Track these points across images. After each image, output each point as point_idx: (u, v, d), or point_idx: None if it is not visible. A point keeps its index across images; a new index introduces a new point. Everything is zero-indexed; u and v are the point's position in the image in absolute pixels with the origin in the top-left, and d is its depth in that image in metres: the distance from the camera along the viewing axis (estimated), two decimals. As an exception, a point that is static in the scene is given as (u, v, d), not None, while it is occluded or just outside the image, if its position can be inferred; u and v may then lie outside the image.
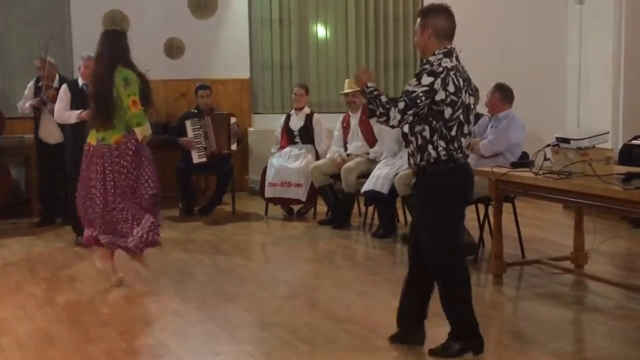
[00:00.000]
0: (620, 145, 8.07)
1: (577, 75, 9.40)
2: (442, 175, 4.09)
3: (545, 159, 5.26)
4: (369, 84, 4.18)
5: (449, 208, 4.13)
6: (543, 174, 5.13)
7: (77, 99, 7.11)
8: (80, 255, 6.81)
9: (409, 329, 4.37)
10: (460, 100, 4.03)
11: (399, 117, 4.02)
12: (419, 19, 4.16)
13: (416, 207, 4.33)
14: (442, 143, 4.05)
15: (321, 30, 10.18)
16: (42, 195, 8.26)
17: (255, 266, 6.56)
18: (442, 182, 4.10)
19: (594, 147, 5.05)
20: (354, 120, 8.00)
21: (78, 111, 7.01)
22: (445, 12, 4.13)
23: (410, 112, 4.01)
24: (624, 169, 5.14)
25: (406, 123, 4.07)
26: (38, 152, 8.16)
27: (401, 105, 4.01)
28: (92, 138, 5.70)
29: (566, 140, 5.14)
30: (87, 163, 5.71)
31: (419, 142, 4.10)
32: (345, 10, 10.08)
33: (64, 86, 7.24)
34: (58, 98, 7.19)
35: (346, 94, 8.03)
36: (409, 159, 4.27)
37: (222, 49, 9.80)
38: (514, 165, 5.63)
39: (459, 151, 4.09)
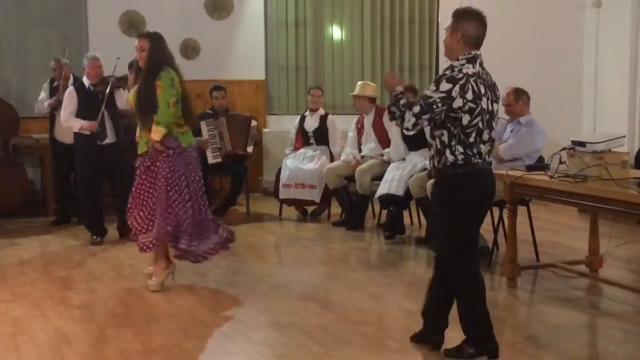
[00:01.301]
0: (636, 149, 8.03)
1: (593, 79, 9.37)
2: (458, 179, 4.08)
3: (561, 163, 5.24)
4: (397, 88, 4.19)
5: (464, 212, 4.12)
6: (558, 177, 5.11)
7: (85, 100, 7.16)
8: (96, 255, 6.85)
9: (430, 329, 4.36)
10: (479, 108, 4.00)
11: (413, 120, 4.04)
12: (451, 20, 4.13)
13: (435, 208, 4.33)
14: (460, 148, 4.04)
15: (336, 33, 10.19)
16: (58, 195, 8.30)
17: (269, 267, 6.57)
18: (457, 186, 4.10)
19: (609, 150, 5.03)
20: (368, 122, 8.01)
21: (82, 122, 7.10)
22: (478, 18, 4.09)
23: (425, 116, 4.01)
24: (641, 173, 5.11)
25: (420, 127, 4.08)
26: (53, 152, 8.21)
27: (416, 109, 4.02)
28: (188, 141, 5.71)
29: (582, 144, 5.12)
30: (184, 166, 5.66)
31: (438, 146, 4.11)
32: (360, 12, 10.08)
33: (70, 89, 7.26)
34: (65, 101, 7.21)
35: (357, 96, 8.05)
36: (430, 161, 4.28)
37: (237, 50, 9.82)
38: (529, 168, 5.61)
39: (477, 156, 4.07)
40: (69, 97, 7.20)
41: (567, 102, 9.55)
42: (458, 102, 3.96)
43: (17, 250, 7.09)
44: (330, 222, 8.09)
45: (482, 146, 4.07)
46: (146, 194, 5.68)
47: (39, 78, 8.63)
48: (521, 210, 5.90)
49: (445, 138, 4.06)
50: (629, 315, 5.02)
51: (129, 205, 5.79)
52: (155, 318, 5.18)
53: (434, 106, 3.99)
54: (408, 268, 6.59)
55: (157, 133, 5.54)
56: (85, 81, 7.28)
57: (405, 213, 7.58)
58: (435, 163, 4.16)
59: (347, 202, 7.99)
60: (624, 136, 5.33)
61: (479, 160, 4.09)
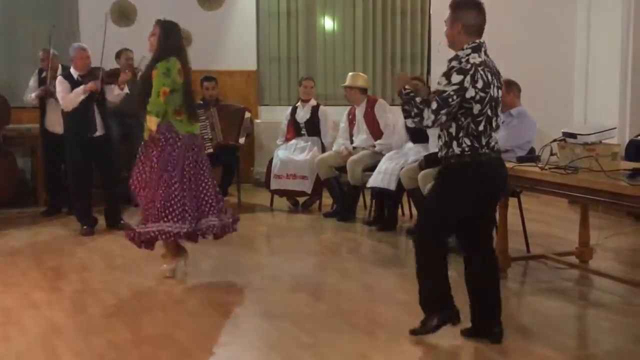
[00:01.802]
0: (627, 141, 8.04)
1: (584, 71, 9.39)
2: (462, 167, 4.12)
3: (552, 154, 5.25)
4: (406, 87, 4.22)
5: (459, 200, 4.15)
6: (549, 168, 5.12)
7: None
8: (86, 245, 6.84)
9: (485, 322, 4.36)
10: (488, 96, 4.04)
11: (432, 117, 4.05)
12: (450, 12, 4.14)
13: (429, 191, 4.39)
14: (466, 140, 4.07)
15: (328, 23, 10.18)
16: (48, 185, 8.28)
17: (260, 258, 6.57)
18: (460, 172, 4.14)
19: (600, 142, 5.04)
20: (360, 113, 8.01)
21: (81, 87, 7.05)
22: (477, 7, 4.12)
23: (443, 111, 4.03)
24: (631, 165, 5.11)
25: (440, 123, 4.09)
26: (44, 142, 8.19)
27: (434, 105, 4.04)
28: (186, 129, 5.64)
29: (573, 136, 5.13)
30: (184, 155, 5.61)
31: (446, 138, 4.14)
32: (352, 3, 10.07)
33: (60, 78, 7.21)
34: (60, 91, 7.13)
35: (347, 87, 8.05)
36: (440, 150, 4.29)
37: (229, 41, 9.80)
38: (520, 159, 5.62)
39: (485, 147, 4.10)
40: (62, 82, 7.14)
41: (559, 94, 9.57)
42: (470, 92, 4.00)
43: (8, 241, 7.08)
44: (321, 213, 8.10)
45: (492, 134, 4.11)
46: (146, 180, 5.67)
47: (28, 68, 8.59)
48: (512, 201, 5.91)
49: (453, 130, 4.09)
50: (618, 306, 5.04)
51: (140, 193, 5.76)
52: (145, 308, 5.18)
53: (450, 100, 4.01)
54: (399, 259, 6.59)
55: (149, 122, 5.53)
56: (74, 72, 7.23)
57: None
58: (443, 154, 4.20)
59: (338, 193, 7.99)
60: (615, 128, 5.34)
61: (486, 151, 4.11)
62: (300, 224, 7.75)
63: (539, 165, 5.23)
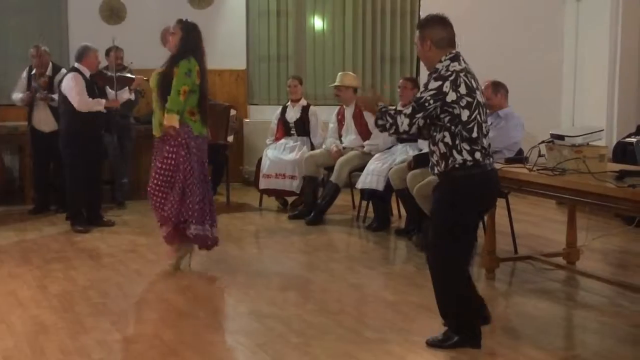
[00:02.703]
0: (614, 143, 8.10)
1: (572, 73, 9.42)
2: (464, 180, 4.10)
3: (540, 155, 5.27)
4: (379, 104, 4.23)
5: (463, 212, 4.14)
6: (537, 170, 5.14)
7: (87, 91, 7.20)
8: (75, 244, 6.82)
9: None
10: (475, 101, 4.05)
11: (407, 121, 4.05)
12: (417, 33, 4.22)
13: (432, 207, 4.34)
14: (465, 146, 4.05)
15: (318, 23, 10.19)
16: (36, 183, 8.25)
17: (248, 257, 6.57)
18: (463, 187, 4.11)
19: (588, 144, 5.07)
20: (349, 113, 8.01)
21: (103, 100, 7.27)
22: (440, 21, 4.17)
23: (419, 115, 4.03)
24: (618, 167, 5.15)
25: (416, 127, 4.08)
26: (32, 140, 8.15)
27: (408, 110, 4.06)
28: (199, 130, 5.74)
29: (561, 137, 5.15)
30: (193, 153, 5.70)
31: (442, 149, 4.10)
32: (342, 3, 10.08)
33: (75, 74, 7.18)
34: (75, 87, 7.11)
35: (337, 87, 8.04)
36: (432, 168, 4.28)
37: (218, 40, 9.77)
38: (509, 161, 5.64)
39: (484, 156, 4.10)
40: (78, 80, 7.14)
41: (547, 96, 9.60)
42: (451, 96, 4.00)
43: (-5, 239, 7.05)
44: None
45: (484, 140, 4.11)
46: (163, 178, 5.71)
47: (17, 66, 8.55)
48: (500, 202, 5.92)
49: (448, 139, 4.07)
50: (605, 307, 5.07)
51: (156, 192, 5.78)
52: (133, 308, 5.17)
53: (426, 104, 4.01)
54: (387, 259, 6.61)
55: (168, 119, 5.57)
56: (85, 71, 7.24)
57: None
58: (442, 168, 4.14)
59: (310, 196, 7.96)
60: (602, 130, 5.38)
61: (487, 162, 4.13)
62: (289, 223, 7.75)
63: (527, 167, 5.25)
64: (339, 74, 8.22)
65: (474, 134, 4.06)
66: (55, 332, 4.60)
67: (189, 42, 5.69)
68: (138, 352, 4.31)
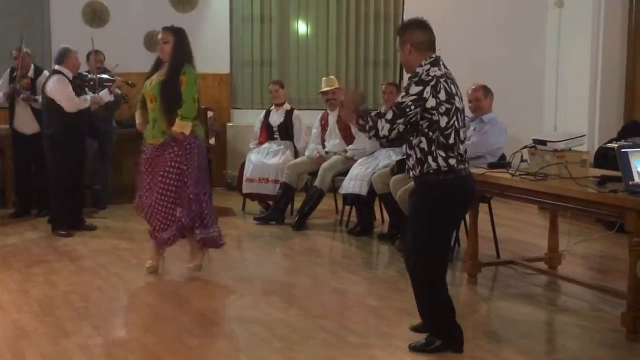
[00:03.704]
0: (596, 148, 8.14)
1: (554, 78, 9.47)
2: (439, 185, 4.11)
3: (522, 161, 5.29)
4: (363, 106, 4.27)
5: (440, 217, 4.15)
6: (520, 175, 5.17)
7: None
8: (56, 248, 6.77)
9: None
10: (454, 107, 4.07)
11: (387, 126, 4.05)
12: (398, 38, 4.26)
13: (410, 212, 4.35)
14: (441, 153, 4.07)
15: (302, 28, 10.18)
16: (17, 187, 8.20)
17: (231, 262, 6.55)
18: (437, 192, 4.13)
19: (570, 149, 5.11)
20: (332, 117, 8.01)
21: (89, 96, 7.26)
22: (420, 25, 4.20)
23: (399, 121, 4.04)
24: (599, 172, 5.18)
25: (396, 133, 4.08)
26: (14, 143, 8.09)
27: (389, 115, 4.05)
28: (201, 133, 5.84)
29: (543, 142, 5.19)
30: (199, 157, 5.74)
31: (418, 155, 4.12)
32: (326, 8, 10.07)
33: (60, 77, 7.15)
34: (64, 89, 7.09)
35: (325, 92, 8.03)
36: (408, 171, 4.31)
37: (202, 44, 9.71)
38: (491, 166, 5.66)
39: (459, 162, 4.12)
40: (65, 82, 7.13)
41: (529, 101, 9.65)
42: (431, 102, 4.01)
43: (-25, 243, 6.99)
44: (294, 217, 8.03)
45: (461, 146, 4.13)
46: (169, 186, 5.67)
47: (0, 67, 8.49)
48: (482, 207, 5.96)
49: (424, 145, 4.08)
50: (586, 312, 5.10)
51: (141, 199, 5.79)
52: (115, 312, 5.15)
53: (407, 109, 4.02)
54: (370, 264, 6.62)
55: (186, 127, 5.59)
56: (68, 73, 7.21)
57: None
58: (417, 172, 4.16)
59: (283, 204, 7.93)
60: (584, 135, 5.41)
61: (462, 167, 4.14)
62: (271, 228, 7.73)
63: (510, 172, 5.27)
64: (324, 79, 8.22)
65: (451, 140, 4.08)
66: (36, 337, 4.57)
67: (183, 47, 5.70)
68: (119, 357, 4.29)
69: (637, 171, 4.49)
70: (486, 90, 6.46)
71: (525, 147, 5.33)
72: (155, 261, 5.93)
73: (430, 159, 4.08)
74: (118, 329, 4.79)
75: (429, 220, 4.15)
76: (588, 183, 4.76)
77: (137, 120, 5.88)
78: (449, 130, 4.07)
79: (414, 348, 4.30)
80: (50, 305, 5.19)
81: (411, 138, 4.13)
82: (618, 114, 8.87)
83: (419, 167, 4.14)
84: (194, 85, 5.67)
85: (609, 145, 7.84)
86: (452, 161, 4.09)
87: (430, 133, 4.06)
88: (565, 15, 9.28)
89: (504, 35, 9.67)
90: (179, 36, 5.69)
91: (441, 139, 4.05)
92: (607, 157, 7.60)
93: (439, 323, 4.28)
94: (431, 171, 4.10)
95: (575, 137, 5.18)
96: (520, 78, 9.50)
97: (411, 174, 4.26)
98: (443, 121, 4.04)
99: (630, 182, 4.47)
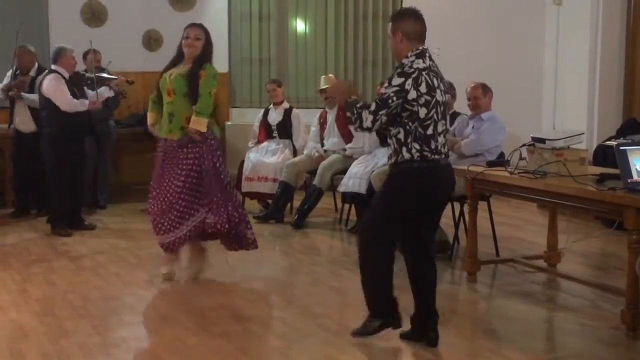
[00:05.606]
0: (594, 146, 8.15)
1: (553, 76, 9.47)
2: (412, 172, 4.17)
3: (521, 159, 5.30)
4: (351, 97, 4.30)
5: (402, 199, 4.20)
6: (518, 173, 5.17)
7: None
8: (55, 247, 6.77)
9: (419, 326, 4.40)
10: (434, 100, 4.12)
11: (371, 117, 4.12)
12: (390, 25, 4.29)
13: (377, 192, 4.42)
14: (416, 145, 4.13)
15: (300, 26, 10.18)
16: (17, 186, 8.19)
17: (230, 261, 6.54)
18: (409, 177, 4.18)
19: (568, 147, 5.11)
20: (331, 116, 8.01)
21: (86, 101, 7.23)
22: (413, 15, 4.24)
23: (382, 112, 4.10)
24: (598, 170, 5.19)
25: (380, 124, 4.14)
26: (14, 142, 8.09)
27: (372, 106, 4.13)
28: (217, 131, 5.93)
29: (542, 140, 5.19)
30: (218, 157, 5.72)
31: (395, 145, 4.20)
32: (325, 6, 10.07)
33: (55, 75, 7.14)
34: (59, 88, 7.08)
35: (324, 90, 8.03)
36: (388, 160, 4.37)
37: (200, 43, 9.75)
38: (490, 164, 5.66)
39: (434, 153, 4.15)
40: (60, 81, 7.11)
41: (528, 99, 9.65)
42: (412, 94, 4.07)
43: (-26, 242, 6.99)
44: (293, 216, 8.05)
45: (439, 138, 4.17)
46: (190, 185, 5.62)
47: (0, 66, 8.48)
48: (482, 205, 5.96)
49: (401, 136, 4.15)
50: (586, 310, 5.10)
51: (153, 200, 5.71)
52: (114, 312, 5.15)
53: (389, 101, 4.08)
54: (369, 262, 6.61)
55: (202, 124, 5.55)
56: (64, 72, 7.20)
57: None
58: (392, 160, 4.25)
59: (282, 202, 7.93)
60: (583, 133, 5.41)
61: (436, 157, 4.17)
62: (271, 226, 7.74)
63: (508, 170, 5.27)
64: (322, 77, 8.22)
65: (429, 131, 4.13)
66: (36, 336, 4.57)
67: (209, 47, 5.74)
68: (119, 356, 4.29)
69: (636, 169, 4.51)
70: (485, 89, 6.46)
71: (524, 145, 5.33)
72: (172, 267, 5.79)
73: (404, 150, 4.15)
74: (117, 328, 4.79)
75: (391, 201, 4.22)
76: (587, 181, 4.76)
77: (149, 121, 5.86)
78: (428, 122, 4.12)
79: (357, 333, 4.37)
80: (49, 304, 5.19)
81: (391, 128, 4.20)
82: (617, 112, 8.87)
83: (395, 157, 4.22)
84: (212, 80, 5.65)
85: (608, 143, 7.85)
86: (426, 153, 4.14)
87: (410, 124, 4.11)
88: (563, 13, 9.28)
89: (502, 34, 9.67)
90: (208, 36, 5.74)
91: (420, 129, 4.11)
92: (605, 155, 7.61)
93: (377, 301, 4.31)
94: (403, 161, 4.17)
95: (574, 135, 5.18)
96: (518, 76, 9.50)
97: (388, 162, 4.35)
98: (422, 112, 4.10)
99: (629, 180, 4.48)
